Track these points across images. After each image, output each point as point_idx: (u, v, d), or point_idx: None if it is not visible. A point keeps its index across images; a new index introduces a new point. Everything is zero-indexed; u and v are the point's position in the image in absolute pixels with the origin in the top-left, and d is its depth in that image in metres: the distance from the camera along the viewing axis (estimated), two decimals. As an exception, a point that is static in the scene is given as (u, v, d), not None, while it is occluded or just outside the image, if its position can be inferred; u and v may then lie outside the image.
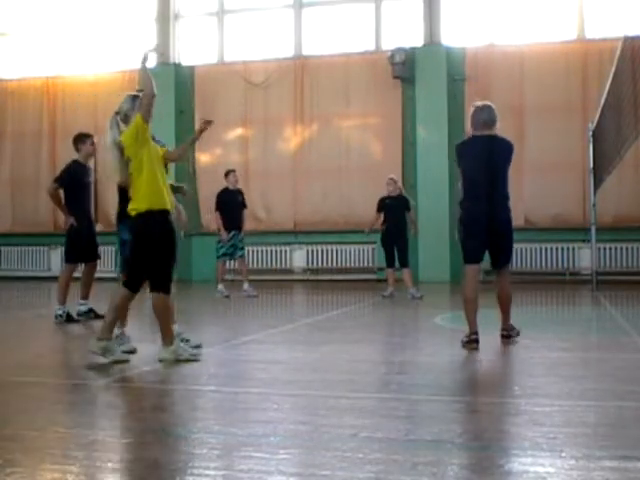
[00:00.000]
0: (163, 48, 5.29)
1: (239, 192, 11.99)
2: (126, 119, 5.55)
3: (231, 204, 11.80)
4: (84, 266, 8.75)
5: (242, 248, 11.98)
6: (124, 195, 5.78)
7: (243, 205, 11.99)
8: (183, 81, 16.67)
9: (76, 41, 17.70)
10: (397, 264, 11.34)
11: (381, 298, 11.11)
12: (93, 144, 8.64)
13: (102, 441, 3.44)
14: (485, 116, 6.44)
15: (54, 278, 17.34)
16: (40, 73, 17.78)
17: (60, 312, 8.25)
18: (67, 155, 17.25)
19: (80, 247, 8.45)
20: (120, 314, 5.67)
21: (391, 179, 11.59)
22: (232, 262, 12.35)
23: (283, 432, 3.54)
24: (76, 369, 5.53)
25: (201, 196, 16.01)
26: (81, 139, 8.62)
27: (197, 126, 6.05)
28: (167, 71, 16.71)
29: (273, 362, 5.72)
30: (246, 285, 11.82)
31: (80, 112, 17.27)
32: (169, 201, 5.49)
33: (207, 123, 5.83)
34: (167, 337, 5.50)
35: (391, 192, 11.41)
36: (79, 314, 8.45)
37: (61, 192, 8.51)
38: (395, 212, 11.23)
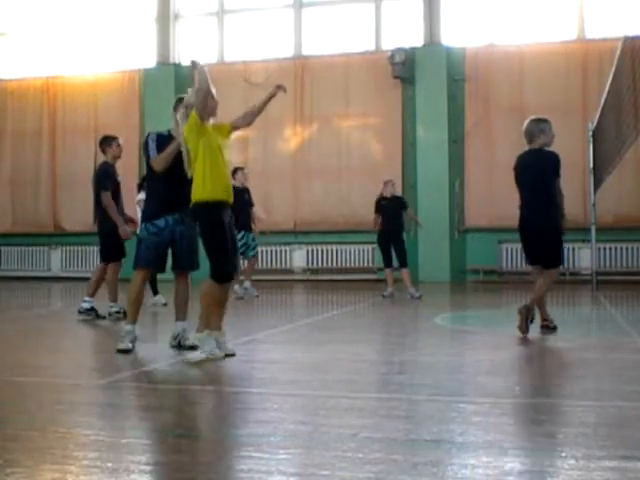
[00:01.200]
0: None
1: (246, 190, 11.80)
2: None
3: (239, 203, 11.66)
4: (104, 266, 8.76)
5: (254, 247, 11.83)
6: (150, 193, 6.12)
7: (250, 204, 11.82)
8: (183, 81, 16.64)
9: (76, 41, 17.71)
10: (396, 264, 11.38)
11: (381, 298, 11.13)
12: (119, 145, 8.69)
13: (102, 441, 3.44)
14: (523, 130, 7.06)
15: (54, 278, 17.40)
16: (40, 73, 17.79)
17: (115, 309, 8.41)
18: (67, 155, 17.47)
19: (117, 245, 8.55)
20: (215, 307, 5.70)
21: (389, 181, 11.74)
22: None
23: (283, 432, 3.54)
24: (76, 369, 5.53)
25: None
26: (107, 141, 8.70)
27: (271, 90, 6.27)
28: (167, 71, 16.73)
29: (273, 362, 5.72)
30: (248, 284, 11.76)
31: (80, 112, 17.29)
32: (224, 192, 5.62)
33: (279, 88, 6.01)
34: (201, 323, 5.66)
35: (385, 193, 11.56)
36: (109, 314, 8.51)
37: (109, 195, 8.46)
38: (390, 213, 11.33)
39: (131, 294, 6.08)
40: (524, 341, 6.54)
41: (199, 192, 5.57)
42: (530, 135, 6.94)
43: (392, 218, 11.31)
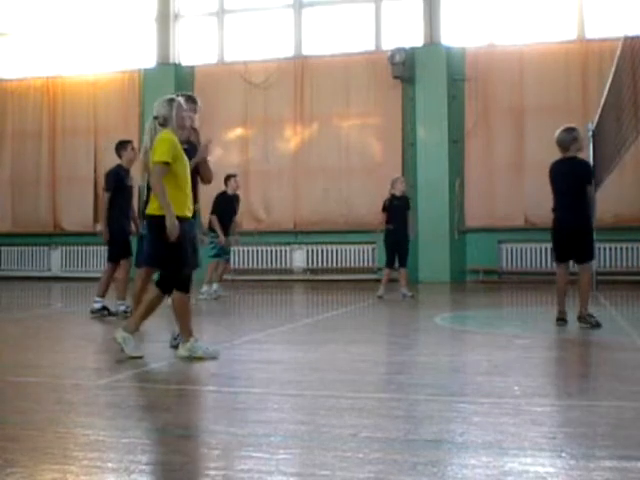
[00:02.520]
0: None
1: (236, 198, 11.88)
2: (165, 122, 5.61)
3: (227, 209, 11.74)
4: (112, 266, 8.87)
5: (228, 252, 11.99)
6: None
7: (235, 211, 11.89)
8: (183, 81, 16.66)
9: (76, 41, 17.70)
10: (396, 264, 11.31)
11: (377, 299, 11.05)
12: (134, 149, 8.91)
13: (102, 441, 3.44)
14: (556, 141, 7.66)
15: (54, 278, 17.39)
16: (40, 73, 17.79)
17: (123, 308, 8.54)
18: (67, 155, 17.46)
19: (124, 243, 8.72)
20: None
21: (402, 179, 11.65)
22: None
23: (283, 432, 3.54)
24: (76, 369, 5.53)
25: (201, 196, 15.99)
26: (123, 146, 8.94)
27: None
28: (167, 71, 16.73)
29: (273, 362, 5.72)
30: (215, 286, 11.72)
31: (80, 112, 17.29)
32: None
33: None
34: (183, 334, 5.70)
35: (401, 192, 11.34)
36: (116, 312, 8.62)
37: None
38: (401, 212, 11.20)
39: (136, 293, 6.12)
40: (523, 341, 6.54)
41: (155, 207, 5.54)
42: (564, 144, 7.55)
43: (402, 218, 11.17)
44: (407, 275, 11.39)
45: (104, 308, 8.66)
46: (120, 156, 8.87)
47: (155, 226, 5.55)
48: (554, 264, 7.96)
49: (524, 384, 4.74)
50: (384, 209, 11.31)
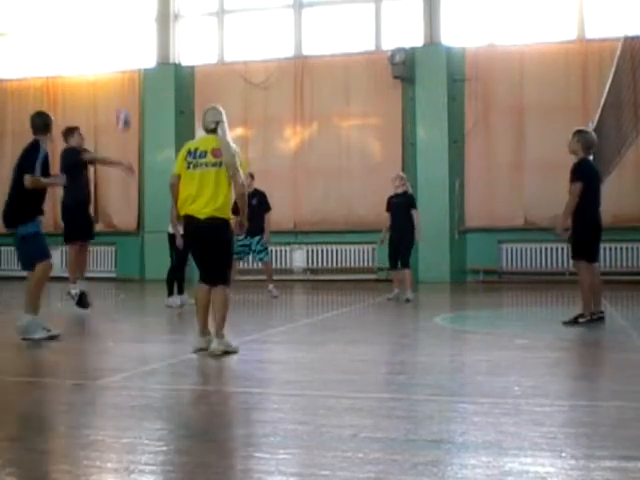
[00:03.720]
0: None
1: (254, 195, 11.42)
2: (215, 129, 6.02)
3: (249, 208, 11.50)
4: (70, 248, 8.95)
5: (260, 252, 11.53)
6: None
7: (260, 208, 11.42)
8: (183, 81, 16.67)
9: (76, 41, 17.70)
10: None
11: (386, 300, 10.78)
12: (80, 134, 9.42)
13: (102, 441, 3.44)
14: (588, 143, 7.75)
15: (54, 278, 17.36)
16: (40, 73, 17.78)
17: (74, 292, 8.52)
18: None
19: (74, 226, 8.69)
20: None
21: (398, 176, 11.27)
22: (254, 263, 12.26)
23: (283, 432, 3.54)
24: (76, 369, 5.53)
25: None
26: (70, 132, 9.51)
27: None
28: (167, 71, 16.72)
29: (273, 362, 5.73)
30: (270, 286, 11.63)
31: (80, 112, 17.27)
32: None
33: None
34: (222, 329, 5.85)
35: (397, 189, 11.03)
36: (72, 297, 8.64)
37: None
38: (399, 210, 10.82)
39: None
40: (523, 341, 6.53)
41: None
42: (594, 145, 7.82)
43: (400, 215, 10.73)
44: (410, 276, 10.89)
45: (82, 293, 8.72)
46: (67, 142, 9.32)
47: (228, 228, 5.90)
48: (572, 263, 7.90)
49: (524, 384, 4.74)
50: (387, 209, 11.05)
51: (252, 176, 11.74)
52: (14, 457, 3.14)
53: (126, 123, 8.87)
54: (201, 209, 5.72)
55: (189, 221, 5.80)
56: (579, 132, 7.78)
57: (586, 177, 7.45)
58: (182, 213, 5.84)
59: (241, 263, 12.20)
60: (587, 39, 14.86)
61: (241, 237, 11.49)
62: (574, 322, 7.38)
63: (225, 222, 5.81)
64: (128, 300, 12.67)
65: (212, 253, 5.79)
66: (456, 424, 3.66)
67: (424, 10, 15.42)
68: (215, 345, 5.70)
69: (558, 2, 15.17)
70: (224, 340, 5.75)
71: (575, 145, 7.64)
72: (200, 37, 17.14)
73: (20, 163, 6.76)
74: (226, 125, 5.99)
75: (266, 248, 11.70)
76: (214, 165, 5.78)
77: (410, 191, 11.23)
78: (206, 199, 5.72)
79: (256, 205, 11.52)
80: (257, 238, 11.48)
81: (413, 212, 10.88)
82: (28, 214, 6.59)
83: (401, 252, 10.83)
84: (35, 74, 17.80)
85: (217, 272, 5.79)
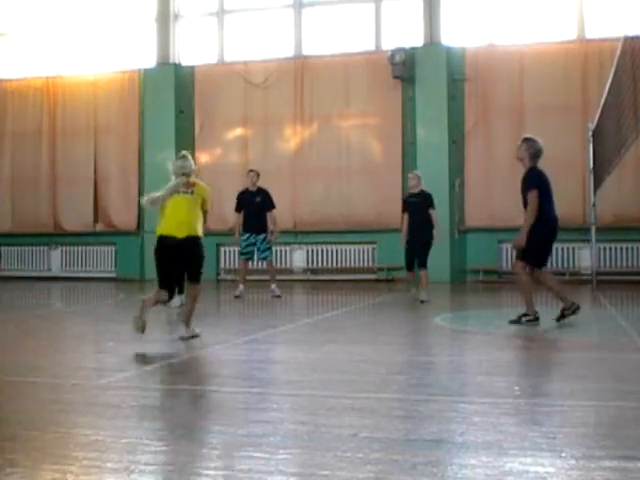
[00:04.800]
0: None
1: (258, 193, 11.52)
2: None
3: (247, 206, 11.47)
4: None
5: (264, 251, 11.56)
6: None
7: (264, 206, 11.49)
8: (183, 81, 16.66)
9: (76, 41, 17.69)
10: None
11: (412, 300, 10.47)
12: None
13: (102, 441, 3.44)
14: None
15: (54, 278, 17.39)
16: (40, 73, 17.77)
17: None
18: (67, 155, 17.45)
19: None
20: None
21: (414, 174, 10.98)
22: (257, 263, 12.34)
23: (283, 432, 3.54)
24: (76, 369, 5.53)
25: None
26: None
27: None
28: (167, 71, 16.72)
29: (273, 362, 5.73)
30: (273, 286, 11.65)
31: (80, 112, 17.28)
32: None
33: None
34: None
35: (413, 188, 10.78)
36: None
37: None
38: (417, 210, 10.49)
39: None
40: (524, 341, 6.53)
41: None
42: (542, 154, 8.03)
43: (418, 215, 10.40)
44: (426, 277, 10.63)
45: None
46: None
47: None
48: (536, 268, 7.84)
49: (524, 384, 4.74)
50: (403, 210, 10.78)
51: (258, 174, 11.78)
52: (14, 457, 3.14)
53: None
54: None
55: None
56: (527, 140, 7.87)
57: (539, 184, 7.66)
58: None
59: (250, 263, 12.14)
60: (587, 39, 14.85)
61: (245, 237, 11.53)
62: (517, 321, 7.57)
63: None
64: (128, 300, 12.65)
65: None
66: (456, 424, 3.66)
67: (424, 10, 15.42)
68: (183, 332, 6.53)
69: (558, 2, 15.16)
70: (190, 328, 6.56)
71: (523, 153, 7.81)
72: (200, 37, 17.13)
73: None
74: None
75: (270, 247, 11.73)
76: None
77: (427, 190, 10.86)
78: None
79: (260, 203, 11.55)
80: (262, 236, 11.51)
81: (431, 212, 10.56)
82: None
83: (420, 253, 10.51)
84: (35, 74, 17.79)
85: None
